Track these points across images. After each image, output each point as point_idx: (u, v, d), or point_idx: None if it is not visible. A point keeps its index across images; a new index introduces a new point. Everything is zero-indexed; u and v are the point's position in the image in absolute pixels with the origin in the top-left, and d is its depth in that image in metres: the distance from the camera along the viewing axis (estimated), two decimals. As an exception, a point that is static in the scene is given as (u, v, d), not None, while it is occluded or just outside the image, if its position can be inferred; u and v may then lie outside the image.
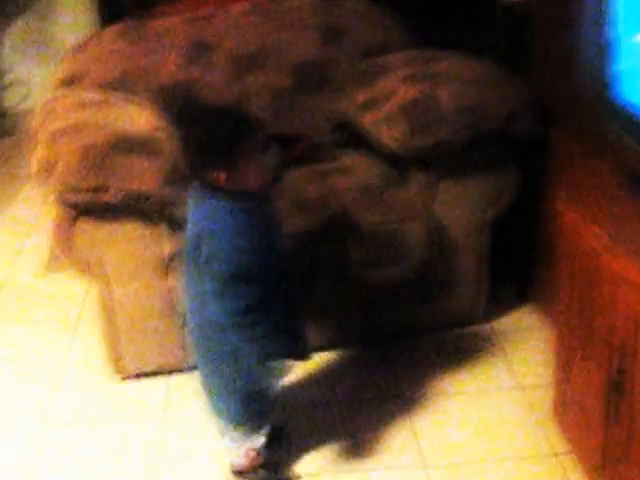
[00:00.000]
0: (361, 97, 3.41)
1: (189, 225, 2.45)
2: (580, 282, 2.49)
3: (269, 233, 2.42)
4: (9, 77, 6.33)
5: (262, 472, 2.73)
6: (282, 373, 2.64)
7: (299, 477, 2.77)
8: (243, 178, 2.32)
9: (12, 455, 2.93)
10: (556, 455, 2.76)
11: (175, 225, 2.94)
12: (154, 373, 3.23)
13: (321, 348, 3.24)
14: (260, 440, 2.67)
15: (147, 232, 2.98)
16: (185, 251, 2.49)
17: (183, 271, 2.56)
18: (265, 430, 2.67)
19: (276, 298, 2.42)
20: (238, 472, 2.74)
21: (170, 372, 3.24)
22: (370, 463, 2.79)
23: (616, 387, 2.28)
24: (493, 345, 3.33)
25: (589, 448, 2.52)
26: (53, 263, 4.11)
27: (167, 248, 3.00)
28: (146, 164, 2.85)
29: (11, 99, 6.33)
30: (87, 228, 2.94)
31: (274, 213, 2.49)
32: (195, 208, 2.42)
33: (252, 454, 2.69)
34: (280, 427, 2.83)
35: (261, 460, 2.72)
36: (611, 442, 2.37)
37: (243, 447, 2.68)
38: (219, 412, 2.64)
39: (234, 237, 2.31)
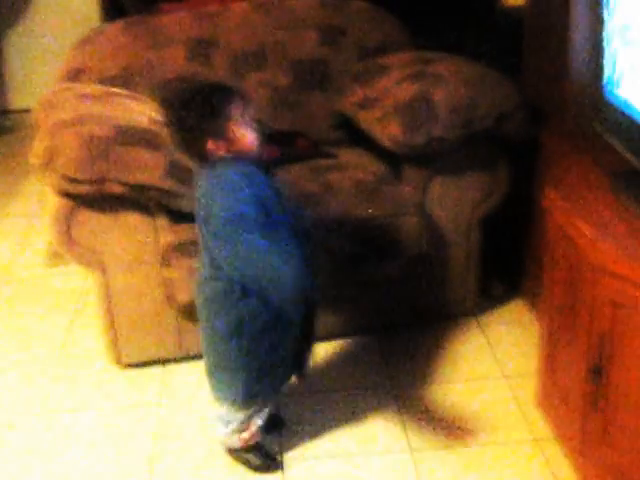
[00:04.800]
0: (358, 96, 3.46)
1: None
2: (564, 274, 2.55)
3: (269, 201, 2.39)
4: (11, 74, 6.40)
5: (252, 454, 2.76)
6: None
7: (282, 463, 2.79)
8: (238, 140, 2.36)
9: (9, 444, 2.96)
10: (537, 441, 2.82)
11: (174, 216, 3.02)
12: (152, 362, 3.28)
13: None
14: (259, 420, 2.68)
15: (146, 223, 3.03)
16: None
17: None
18: (266, 411, 2.68)
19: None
20: (233, 450, 2.77)
21: (167, 361, 3.29)
22: (358, 449, 2.84)
23: (595, 375, 2.35)
24: (480, 337, 3.39)
25: (570, 434, 2.59)
26: (54, 257, 4.16)
27: (166, 239, 3.05)
28: (147, 156, 2.88)
29: (13, 96, 6.40)
30: (86, 219, 2.98)
31: (276, 187, 2.48)
32: (197, 188, 2.43)
33: (246, 435, 2.71)
34: (276, 414, 2.86)
35: (258, 438, 2.74)
36: (590, 428, 2.43)
37: (241, 425, 2.68)
38: (222, 392, 2.63)
39: (230, 192, 2.31)
